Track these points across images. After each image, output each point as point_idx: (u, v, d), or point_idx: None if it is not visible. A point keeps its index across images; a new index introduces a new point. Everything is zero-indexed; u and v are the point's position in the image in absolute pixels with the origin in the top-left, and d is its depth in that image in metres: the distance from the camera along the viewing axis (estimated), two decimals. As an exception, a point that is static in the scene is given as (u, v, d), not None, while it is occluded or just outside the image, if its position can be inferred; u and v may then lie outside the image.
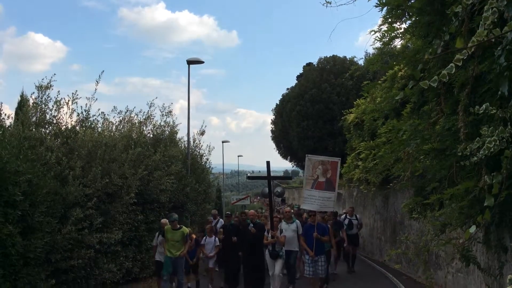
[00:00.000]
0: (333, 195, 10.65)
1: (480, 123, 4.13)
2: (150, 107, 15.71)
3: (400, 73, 11.68)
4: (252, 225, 10.68)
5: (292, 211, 13.89)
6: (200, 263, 12.01)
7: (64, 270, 9.67)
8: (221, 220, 14.76)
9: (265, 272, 10.75)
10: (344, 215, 14.78)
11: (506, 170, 3.43)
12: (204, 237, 11.85)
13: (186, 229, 10.49)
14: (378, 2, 5.64)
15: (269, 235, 10.39)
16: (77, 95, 11.74)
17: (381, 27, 5.95)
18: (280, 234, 10.40)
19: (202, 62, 18.51)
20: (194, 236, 11.58)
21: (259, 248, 10.62)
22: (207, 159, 19.48)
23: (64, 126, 11.56)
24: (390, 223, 15.47)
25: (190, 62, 18.08)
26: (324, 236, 10.26)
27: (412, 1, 5.53)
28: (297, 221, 11.31)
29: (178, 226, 10.31)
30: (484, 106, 3.36)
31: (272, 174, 11.96)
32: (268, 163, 10.85)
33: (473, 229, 3.24)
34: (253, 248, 10.55)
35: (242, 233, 10.95)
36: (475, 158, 3.49)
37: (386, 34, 5.86)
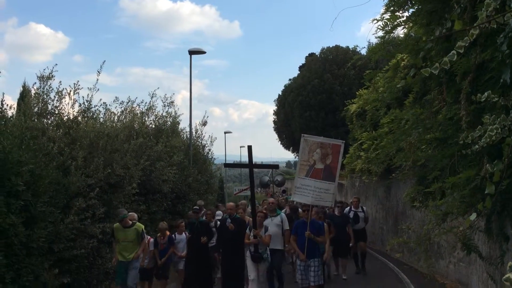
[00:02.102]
0: (333, 187, 8.62)
1: (482, 112, 4.11)
2: (152, 97, 15.74)
3: (402, 62, 11.64)
4: (230, 221, 9.18)
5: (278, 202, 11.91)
6: (172, 265, 10.73)
7: (67, 260, 9.70)
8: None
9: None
10: (349, 207, 13.04)
11: (508, 158, 3.42)
12: (173, 234, 10.45)
13: (140, 226, 8.85)
14: (381, -10, 5.61)
15: (251, 234, 8.67)
16: (79, 85, 11.70)
17: (384, 15, 5.92)
18: (265, 232, 8.71)
19: (204, 53, 18.48)
20: (168, 233, 10.36)
21: (239, 248, 9.11)
22: (209, 150, 19.53)
23: (66, 117, 11.53)
24: (392, 213, 15.51)
25: (192, 52, 18.05)
26: (319, 236, 8.40)
27: (415, -11, 5.49)
28: (282, 214, 9.72)
29: (131, 222, 8.74)
30: (486, 94, 3.34)
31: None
32: (249, 148, 9.02)
33: (473, 216, 3.24)
34: (232, 248, 9.10)
35: (221, 230, 9.52)
36: (477, 146, 3.48)
37: (388, 23, 5.82)
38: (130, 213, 9.50)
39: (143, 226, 8.90)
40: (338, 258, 11.74)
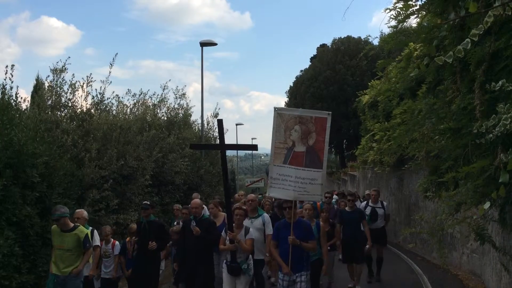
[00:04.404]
0: (320, 176, 6.43)
1: (497, 101, 4.07)
2: (163, 90, 15.89)
3: (415, 52, 11.53)
4: (194, 223, 7.14)
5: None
6: None
7: (82, 251, 9.84)
8: (205, 207, 8.86)
9: None
10: (365, 201, 10.92)
11: (523, 147, 3.38)
12: None
13: (83, 230, 6.71)
14: (393, -21, 5.55)
15: (227, 237, 6.62)
16: (92, 78, 11.85)
17: (396, 5, 5.86)
18: (245, 235, 6.67)
19: (215, 44, 18.50)
20: (128, 239, 8.29)
21: (207, 258, 7.19)
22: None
23: (80, 109, 11.68)
24: (405, 205, 15.44)
25: (203, 44, 18.09)
26: (309, 242, 6.36)
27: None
28: (264, 215, 7.80)
29: (72, 225, 6.67)
30: (500, 82, 3.31)
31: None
32: (220, 122, 6.98)
33: (487, 205, 3.22)
34: (197, 258, 7.10)
35: (183, 235, 7.48)
36: (491, 135, 3.45)
37: (401, 12, 5.76)
38: (78, 210, 7.70)
39: (87, 231, 6.86)
40: (352, 265, 9.18)
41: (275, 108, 6.59)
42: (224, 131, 6.81)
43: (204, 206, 8.37)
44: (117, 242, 8.32)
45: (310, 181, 6.40)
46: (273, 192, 6.67)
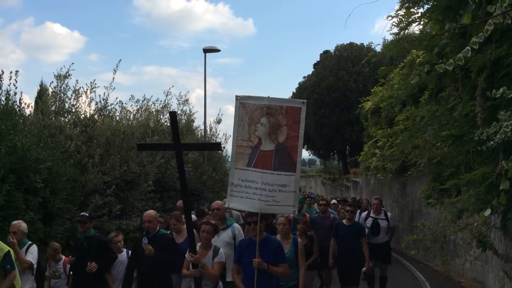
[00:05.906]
0: (293, 181, 5.03)
1: (498, 108, 4.09)
2: (166, 95, 15.95)
3: (418, 59, 11.55)
4: (146, 240, 5.69)
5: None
6: None
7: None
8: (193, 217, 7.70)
9: None
10: (366, 212, 9.45)
11: (524, 155, 3.39)
12: None
13: (3, 248, 5.34)
14: (395, -14, 5.59)
15: (190, 261, 5.29)
16: (95, 84, 11.92)
17: (398, 12, 5.89)
18: (213, 257, 5.36)
19: (218, 51, 18.57)
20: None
21: (161, 284, 5.70)
22: (224, 148, 19.66)
23: (83, 115, 11.75)
24: (408, 211, 15.42)
25: (206, 51, 18.16)
26: (279, 265, 5.04)
27: (430, -15, 5.46)
28: (234, 225, 6.48)
29: None
30: (501, 90, 3.33)
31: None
32: (173, 115, 5.79)
33: (488, 212, 3.22)
34: (151, 284, 5.65)
35: (134, 256, 5.97)
36: (492, 142, 3.46)
37: (403, 19, 5.79)
38: (14, 223, 6.04)
39: (8, 249, 5.40)
40: None
41: (236, 96, 5.19)
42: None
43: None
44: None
45: (280, 188, 5.01)
46: (234, 202, 5.24)
